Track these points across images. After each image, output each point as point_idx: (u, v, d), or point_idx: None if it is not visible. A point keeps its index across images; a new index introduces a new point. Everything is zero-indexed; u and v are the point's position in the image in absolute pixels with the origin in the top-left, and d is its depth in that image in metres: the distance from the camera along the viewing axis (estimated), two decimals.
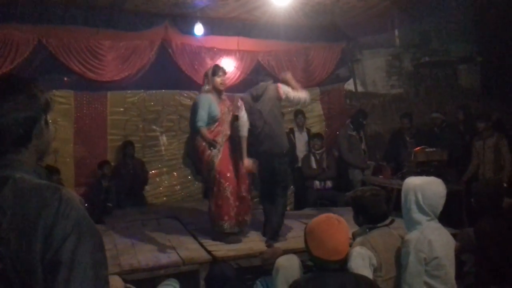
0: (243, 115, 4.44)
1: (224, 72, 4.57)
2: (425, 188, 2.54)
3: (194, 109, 4.38)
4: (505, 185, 4.59)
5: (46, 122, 1.30)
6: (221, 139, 4.37)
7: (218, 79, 4.42)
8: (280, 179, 4.48)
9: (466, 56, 8.12)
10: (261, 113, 4.41)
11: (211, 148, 4.24)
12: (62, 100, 6.35)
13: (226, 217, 4.27)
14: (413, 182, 2.62)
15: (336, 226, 2.11)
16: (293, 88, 4.49)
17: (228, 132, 4.49)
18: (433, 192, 2.55)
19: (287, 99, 4.53)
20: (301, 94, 4.50)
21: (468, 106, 6.82)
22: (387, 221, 2.71)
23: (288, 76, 4.59)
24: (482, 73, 8.12)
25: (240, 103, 4.54)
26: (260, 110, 4.41)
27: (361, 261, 2.40)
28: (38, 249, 1.10)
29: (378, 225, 2.66)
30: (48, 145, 1.33)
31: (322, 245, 2.04)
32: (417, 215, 2.52)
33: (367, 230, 2.64)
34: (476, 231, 3.16)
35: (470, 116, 6.51)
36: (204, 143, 4.27)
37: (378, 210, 2.68)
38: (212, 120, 4.33)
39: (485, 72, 8.05)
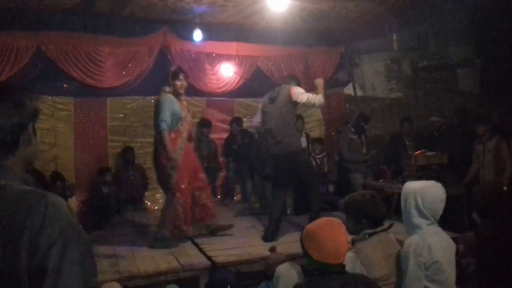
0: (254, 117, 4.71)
1: (185, 76, 4.69)
2: (424, 192, 2.52)
3: (158, 109, 4.43)
4: (505, 188, 4.57)
5: (34, 130, 1.30)
6: (181, 143, 4.47)
7: (178, 83, 4.53)
8: (304, 176, 4.74)
9: (464, 59, 8.12)
10: (272, 115, 4.64)
11: (170, 165, 4.31)
12: (62, 107, 6.38)
13: (169, 226, 4.42)
14: (413, 186, 2.60)
15: (338, 229, 2.11)
16: (317, 93, 4.63)
17: (187, 132, 4.58)
18: (433, 196, 2.52)
19: (300, 101, 4.61)
20: (316, 99, 4.57)
21: (464, 109, 6.82)
22: (386, 225, 2.69)
23: (319, 82, 4.79)
24: (481, 76, 8.12)
25: (259, 105, 4.81)
26: (272, 112, 4.64)
27: (351, 266, 2.38)
28: (23, 257, 1.08)
29: (377, 230, 2.64)
30: (35, 152, 1.32)
31: (324, 249, 2.02)
32: (417, 219, 2.50)
33: (367, 236, 2.61)
34: (476, 235, 3.14)
35: (469, 119, 6.51)
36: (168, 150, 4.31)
37: (377, 214, 2.66)
38: (176, 120, 4.43)
39: (484, 75, 8.04)
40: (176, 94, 4.52)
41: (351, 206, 2.73)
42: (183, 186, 4.42)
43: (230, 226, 4.93)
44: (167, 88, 4.51)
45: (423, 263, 2.40)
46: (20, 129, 1.24)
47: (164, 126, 4.31)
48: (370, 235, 2.61)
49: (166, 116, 4.32)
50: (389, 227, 2.71)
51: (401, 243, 2.72)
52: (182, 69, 4.78)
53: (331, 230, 2.09)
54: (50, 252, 1.08)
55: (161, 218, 4.50)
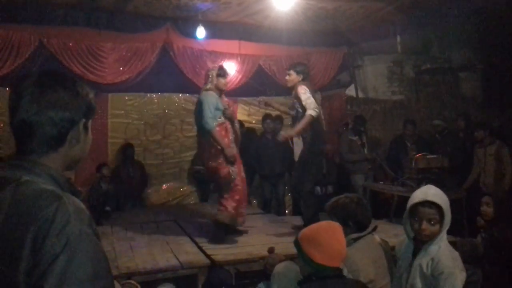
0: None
1: (228, 74, 4.75)
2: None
3: (200, 108, 4.41)
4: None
5: (86, 128, 1.15)
6: (232, 137, 4.50)
7: (223, 80, 4.54)
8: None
9: (467, 63, 8.09)
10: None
11: (229, 162, 4.37)
12: None
13: (241, 213, 4.54)
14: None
15: (339, 231, 2.09)
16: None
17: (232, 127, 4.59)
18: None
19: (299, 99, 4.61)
20: (308, 108, 4.53)
21: (468, 113, 6.81)
22: (371, 228, 2.64)
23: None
24: (483, 81, 8.10)
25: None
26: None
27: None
28: (22, 268, 0.91)
29: (363, 234, 2.58)
30: (83, 152, 1.17)
31: (326, 251, 1.99)
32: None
33: (353, 241, 2.53)
34: (490, 240, 3.10)
35: (470, 124, 6.49)
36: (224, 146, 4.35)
37: (363, 217, 2.63)
38: (218, 114, 4.42)
39: (486, 80, 8.02)
40: (219, 91, 4.51)
41: (337, 209, 2.68)
42: (242, 175, 4.54)
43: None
44: (209, 85, 4.49)
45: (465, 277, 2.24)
46: (69, 125, 1.09)
47: (211, 125, 4.29)
48: (356, 239, 2.56)
49: (209, 114, 4.30)
50: (374, 229, 2.67)
51: (386, 243, 2.70)
52: (225, 68, 4.80)
53: (334, 232, 2.08)
54: (51, 268, 0.90)
55: (220, 210, 4.49)
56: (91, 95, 1.16)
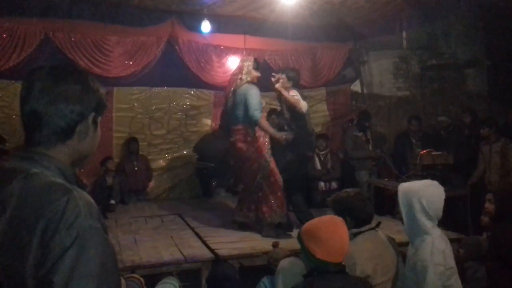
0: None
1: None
2: (427, 193, 2.43)
3: (243, 100, 4.39)
4: None
5: (95, 123, 1.15)
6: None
7: (257, 74, 4.57)
8: None
9: (473, 59, 8.04)
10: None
11: (285, 136, 4.41)
12: None
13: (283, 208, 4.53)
14: (413, 187, 2.50)
15: (341, 226, 2.09)
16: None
17: None
18: (436, 195, 2.44)
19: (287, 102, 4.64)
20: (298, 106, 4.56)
21: (474, 110, 6.77)
22: (373, 225, 2.62)
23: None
24: (490, 77, 8.05)
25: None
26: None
27: None
28: (31, 261, 0.90)
29: (363, 229, 2.57)
30: (91, 147, 1.16)
31: (327, 246, 1.99)
32: (424, 223, 2.40)
33: (353, 236, 2.52)
34: (493, 238, 3.08)
35: (476, 120, 6.46)
36: (263, 136, 4.48)
37: (364, 211, 2.60)
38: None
39: (493, 76, 7.97)
40: (252, 84, 4.53)
41: (336, 203, 2.68)
42: (277, 172, 4.54)
43: None
44: (248, 78, 4.50)
45: (443, 272, 2.32)
46: (79, 118, 1.09)
47: (258, 115, 4.35)
48: (356, 234, 2.55)
49: (259, 105, 4.36)
50: (377, 225, 2.66)
51: (391, 239, 2.69)
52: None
53: (336, 227, 2.07)
54: (60, 261, 0.89)
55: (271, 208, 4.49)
56: (102, 91, 1.17)
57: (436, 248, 2.35)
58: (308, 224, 2.15)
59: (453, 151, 5.61)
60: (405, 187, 2.53)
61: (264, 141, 4.54)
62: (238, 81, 4.51)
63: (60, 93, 1.07)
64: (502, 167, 5.40)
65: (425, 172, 5.26)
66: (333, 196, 2.80)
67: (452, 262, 2.39)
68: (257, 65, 4.62)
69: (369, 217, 2.63)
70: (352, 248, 2.42)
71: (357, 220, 2.58)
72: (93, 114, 1.13)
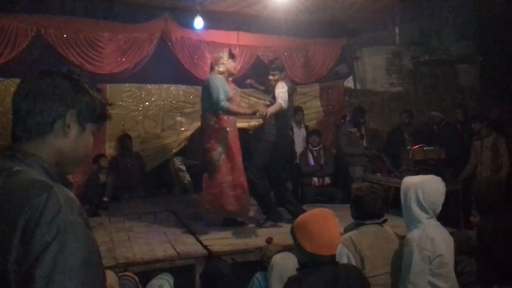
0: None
1: (236, 58, 4.87)
2: (425, 186, 2.50)
3: (209, 91, 4.44)
4: None
5: (83, 127, 1.12)
6: (231, 124, 4.60)
7: (233, 63, 4.65)
8: None
9: (466, 55, 8.11)
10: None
11: (256, 112, 4.41)
12: None
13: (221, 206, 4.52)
14: (413, 180, 2.59)
15: (331, 219, 2.10)
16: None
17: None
18: (433, 189, 2.51)
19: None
20: (279, 99, 4.53)
21: (466, 105, 6.82)
22: (378, 220, 2.66)
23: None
24: (482, 73, 8.12)
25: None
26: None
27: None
28: (13, 258, 0.91)
29: (367, 222, 2.63)
30: (76, 151, 1.13)
31: (317, 240, 2.01)
32: (417, 213, 2.49)
33: (354, 227, 2.62)
34: (478, 231, 3.15)
35: (468, 116, 6.50)
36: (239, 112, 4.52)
37: (369, 207, 2.65)
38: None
39: (485, 72, 8.05)
40: (228, 75, 4.59)
41: (355, 193, 2.79)
42: (229, 165, 4.54)
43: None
44: (221, 68, 4.55)
45: (428, 257, 2.39)
46: (56, 114, 1.08)
47: (224, 104, 4.36)
48: (359, 225, 2.64)
49: (222, 95, 4.36)
50: (384, 221, 2.69)
51: (399, 237, 2.72)
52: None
53: (324, 220, 2.09)
54: (41, 257, 0.89)
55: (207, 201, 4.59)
56: (98, 97, 1.15)
57: (426, 234, 2.43)
58: (299, 219, 2.17)
59: (445, 146, 5.64)
60: (407, 180, 2.63)
61: (222, 137, 4.53)
62: (210, 72, 4.63)
63: (41, 87, 1.08)
64: (493, 162, 5.45)
65: (418, 167, 5.29)
66: (357, 184, 2.91)
67: (442, 251, 2.43)
68: (233, 55, 4.67)
69: (377, 213, 2.67)
70: (353, 236, 2.52)
71: (363, 213, 2.65)
72: (73, 111, 1.10)
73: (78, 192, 6.36)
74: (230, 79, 4.68)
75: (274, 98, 4.65)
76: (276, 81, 4.66)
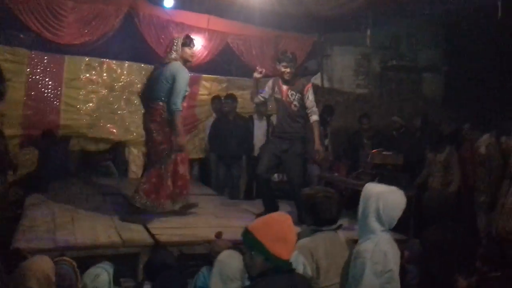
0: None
1: (194, 45, 4.46)
2: (387, 198, 2.41)
3: (173, 81, 4.09)
4: None
5: None
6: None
7: (188, 51, 4.28)
8: None
9: (432, 64, 8.26)
10: None
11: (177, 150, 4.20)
12: (14, 59, 5.91)
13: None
14: (376, 189, 2.49)
15: (291, 224, 2.01)
16: None
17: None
18: (395, 203, 2.42)
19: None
20: (315, 113, 4.64)
21: (426, 114, 6.93)
22: (334, 226, 2.62)
23: None
24: (446, 83, 8.32)
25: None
26: None
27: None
28: None
29: (323, 228, 2.58)
30: None
31: (283, 243, 1.89)
32: (373, 224, 2.40)
33: (310, 233, 2.55)
34: (422, 241, 3.19)
35: (427, 124, 6.61)
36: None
37: (327, 213, 2.58)
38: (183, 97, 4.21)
39: (449, 82, 8.24)
40: (185, 62, 4.24)
41: (304, 197, 2.70)
42: (177, 158, 4.27)
43: (195, 205, 4.77)
44: (173, 55, 4.20)
45: (380, 271, 2.33)
46: None
47: (179, 106, 4.08)
48: (314, 231, 2.57)
49: (182, 92, 4.08)
50: (338, 227, 2.64)
51: (351, 243, 2.67)
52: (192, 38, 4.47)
53: (289, 224, 1.98)
54: None
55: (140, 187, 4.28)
56: None
57: (379, 248, 2.36)
58: (265, 226, 1.97)
59: (403, 151, 5.70)
60: (370, 187, 2.53)
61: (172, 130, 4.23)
62: (167, 56, 4.27)
63: None
64: (444, 176, 5.49)
65: (375, 171, 5.34)
66: (308, 189, 2.81)
67: (392, 266, 2.38)
68: (189, 41, 4.30)
69: (332, 219, 2.61)
70: (310, 244, 2.44)
71: (319, 219, 2.58)
72: None
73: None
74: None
75: (269, 95, 4.62)
76: (291, 74, 4.48)
